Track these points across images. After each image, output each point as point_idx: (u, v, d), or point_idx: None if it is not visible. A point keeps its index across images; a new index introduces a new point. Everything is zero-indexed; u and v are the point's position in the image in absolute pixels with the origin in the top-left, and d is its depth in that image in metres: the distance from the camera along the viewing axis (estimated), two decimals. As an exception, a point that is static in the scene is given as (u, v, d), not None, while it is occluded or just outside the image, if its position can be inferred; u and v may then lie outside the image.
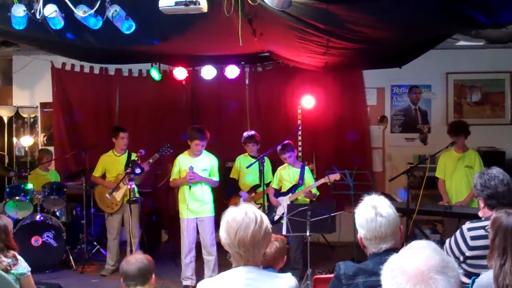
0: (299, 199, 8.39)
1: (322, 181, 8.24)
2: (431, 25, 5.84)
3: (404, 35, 6.29)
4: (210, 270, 8.10)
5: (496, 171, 4.28)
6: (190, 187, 8.01)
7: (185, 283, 8.14)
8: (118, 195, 8.78)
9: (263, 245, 3.24)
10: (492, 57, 10.66)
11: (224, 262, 8.09)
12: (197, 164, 8.13)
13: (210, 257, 8.15)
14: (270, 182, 8.78)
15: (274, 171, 8.89)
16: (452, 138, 8.27)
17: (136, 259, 4.17)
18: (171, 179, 8.35)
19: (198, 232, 8.24)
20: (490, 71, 10.86)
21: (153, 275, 4.24)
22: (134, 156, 8.75)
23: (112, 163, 9.01)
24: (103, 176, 9.13)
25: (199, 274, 8.18)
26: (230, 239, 3.13)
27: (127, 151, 9.00)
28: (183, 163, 8.18)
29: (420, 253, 1.81)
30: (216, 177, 8.33)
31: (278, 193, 8.60)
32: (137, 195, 8.85)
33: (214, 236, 8.14)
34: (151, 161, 8.47)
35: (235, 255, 3.18)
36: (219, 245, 8.16)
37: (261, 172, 8.27)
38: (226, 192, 9.51)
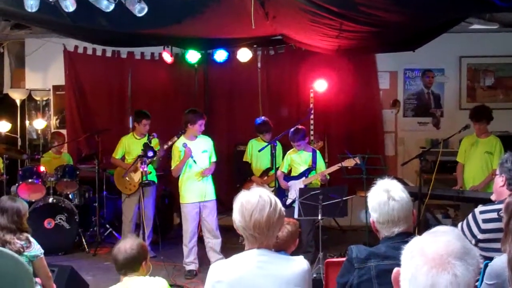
0: (313, 183, 8.38)
1: (337, 166, 8.22)
2: (445, 8, 5.79)
3: (417, 18, 6.24)
4: (217, 252, 8.15)
5: None
6: (194, 161, 8.03)
7: (189, 267, 8.17)
8: (136, 177, 8.78)
9: (277, 228, 3.26)
10: (506, 41, 10.56)
11: (227, 247, 8.21)
12: (196, 146, 8.13)
13: (216, 240, 8.22)
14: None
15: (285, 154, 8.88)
16: (473, 123, 8.18)
17: (125, 249, 4.09)
18: (172, 168, 8.28)
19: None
20: (504, 55, 10.78)
21: (144, 262, 4.19)
22: (156, 140, 8.77)
23: (132, 145, 9.04)
24: (123, 159, 9.18)
25: (201, 259, 8.27)
26: (245, 222, 3.15)
27: (147, 134, 9.02)
28: (182, 148, 8.14)
29: (442, 238, 1.80)
30: (214, 158, 8.37)
31: (288, 177, 8.58)
32: (154, 178, 8.89)
33: (217, 219, 8.31)
34: (170, 143, 8.41)
35: (250, 238, 3.20)
36: (223, 231, 8.30)
37: (273, 155, 8.28)
38: (239, 176, 9.52)
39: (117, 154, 9.17)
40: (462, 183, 8.35)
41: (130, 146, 9.07)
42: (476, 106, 8.84)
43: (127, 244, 4.15)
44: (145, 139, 8.80)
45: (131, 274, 4.08)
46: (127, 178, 8.91)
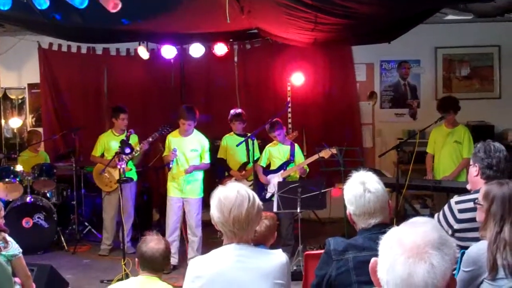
0: (292, 176, 8.41)
1: (314, 157, 8.27)
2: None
3: (392, 9, 6.28)
4: (194, 250, 8.17)
5: (500, 145, 4.31)
6: (172, 166, 8.14)
7: None
8: (116, 174, 8.76)
9: (256, 222, 3.28)
10: (480, 31, 10.65)
11: (208, 242, 8.21)
12: (186, 144, 8.17)
13: (194, 238, 8.23)
14: (258, 158, 8.75)
15: (263, 148, 8.87)
16: (441, 114, 8.30)
17: (158, 248, 4.06)
18: (163, 156, 8.49)
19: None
20: (479, 45, 10.87)
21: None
22: (135, 136, 8.75)
23: (110, 142, 9.02)
24: (103, 156, 9.14)
25: (183, 254, 8.30)
26: (224, 217, 3.15)
27: (125, 130, 8.99)
28: (173, 142, 8.22)
29: (419, 228, 1.82)
30: (206, 160, 8.36)
31: (267, 170, 8.60)
32: (134, 175, 8.87)
33: (200, 218, 8.29)
34: (150, 139, 8.47)
35: (228, 233, 3.20)
36: (204, 226, 8.25)
37: (249, 150, 8.30)
38: (217, 172, 9.51)
39: (97, 152, 9.13)
40: (432, 173, 8.47)
41: (109, 143, 9.04)
42: (443, 97, 9.00)
43: (160, 245, 4.10)
44: (123, 136, 8.77)
45: (155, 274, 4.06)
46: (106, 175, 8.89)
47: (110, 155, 8.91)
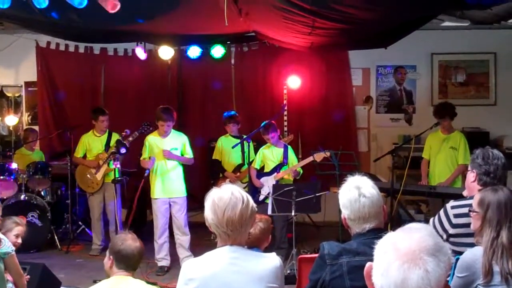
0: (285, 179, 8.41)
1: (308, 160, 8.27)
2: (417, 5, 5.84)
3: (389, 15, 6.29)
4: (186, 249, 8.20)
5: (498, 152, 4.32)
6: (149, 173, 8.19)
7: (160, 263, 8.20)
8: (99, 175, 8.83)
9: (250, 224, 3.28)
10: (476, 38, 10.69)
11: (196, 242, 8.22)
12: (166, 144, 8.19)
13: (184, 237, 8.25)
14: (252, 161, 8.76)
15: (257, 151, 8.88)
16: (437, 119, 8.30)
17: (136, 246, 4.01)
18: (141, 158, 8.40)
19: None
20: (475, 52, 10.90)
21: None
22: (117, 136, 8.78)
23: (92, 143, 9.08)
24: (84, 157, 9.18)
25: (174, 255, 8.29)
26: (217, 219, 3.15)
27: (107, 131, 9.03)
28: (153, 143, 8.23)
29: (415, 234, 1.82)
30: (189, 155, 8.37)
31: (261, 173, 8.61)
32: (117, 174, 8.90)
33: (187, 216, 8.35)
34: (130, 139, 8.50)
35: (222, 235, 3.20)
36: (191, 226, 8.29)
37: (244, 152, 8.31)
38: (212, 174, 9.52)
39: (79, 153, 9.20)
40: (427, 179, 8.47)
41: (90, 144, 9.11)
42: (439, 103, 8.98)
43: (136, 242, 4.07)
44: (105, 136, 8.87)
45: (128, 273, 4.01)
46: (88, 176, 8.91)
47: (92, 155, 8.99)
